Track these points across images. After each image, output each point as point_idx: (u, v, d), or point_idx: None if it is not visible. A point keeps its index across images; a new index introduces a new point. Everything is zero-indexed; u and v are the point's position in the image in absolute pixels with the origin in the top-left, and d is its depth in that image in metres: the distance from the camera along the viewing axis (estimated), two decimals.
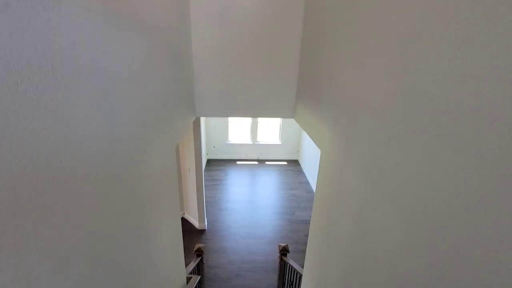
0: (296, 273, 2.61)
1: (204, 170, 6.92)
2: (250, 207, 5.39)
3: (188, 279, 2.23)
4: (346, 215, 1.23)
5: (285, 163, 7.63)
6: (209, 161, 7.49)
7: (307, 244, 2.07)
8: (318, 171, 1.67)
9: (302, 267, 2.73)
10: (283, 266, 2.96)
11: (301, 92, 2.16)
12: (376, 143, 0.97)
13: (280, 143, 7.65)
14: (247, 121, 7.50)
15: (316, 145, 1.66)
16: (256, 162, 7.59)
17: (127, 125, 0.98)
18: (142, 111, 1.14)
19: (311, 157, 6.49)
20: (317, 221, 1.72)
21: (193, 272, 2.65)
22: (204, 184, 6.35)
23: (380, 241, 0.94)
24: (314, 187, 6.09)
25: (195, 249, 2.81)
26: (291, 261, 2.74)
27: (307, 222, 4.97)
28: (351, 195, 1.17)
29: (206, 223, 4.73)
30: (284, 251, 2.88)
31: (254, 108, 2.35)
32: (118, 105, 0.89)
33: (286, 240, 4.48)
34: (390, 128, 0.88)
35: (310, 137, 1.78)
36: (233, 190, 6.04)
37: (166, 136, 1.48)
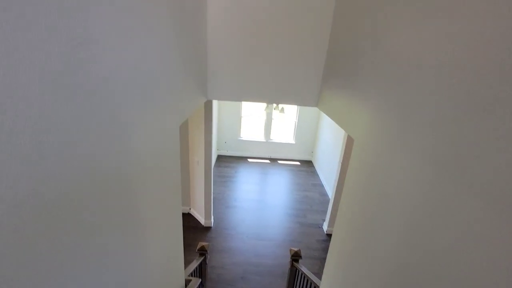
0: (309, 282, 2.31)
1: (214, 166, 6.70)
2: (259, 207, 5.11)
3: (187, 282, 1.97)
4: (396, 221, 0.94)
5: (298, 163, 7.30)
6: (219, 157, 7.27)
7: (328, 256, 1.76)
8: (349, 168, 1.37)
9: (315, 275, 2.43)
10: (294, 272, 2.66)
11: (328, 76, 1.87)
12: (464, 118, 0.67)
13: (294, 142, 7.33)
14: (260, 118, 7.23)
15: (349, 134, 1.37)
16: (268, 161, 7.30)
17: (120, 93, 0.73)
18: (140, 77, 0.90)
19: (326, 159, 6.15)
20: (346, 230, 1.42)
21: (195, 272, 2.41)
22: (213, 180, 6.14)
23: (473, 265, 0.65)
24: (328, 190, 5.74)
25: (198, 247, 2.56)
26: (303, 268, 2.45)
27: (319, 227, 4.65)
28: (406, 196, 0.87)
29: (212, 220, 4.49)
30: (296, 257, 2.58)
31: (272, 94, 2.08)
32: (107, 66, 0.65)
33: (296, 244, 4.17)
34: (487, 95, 0.59)
35: (341, 126, 1.49)
36: (242, 188, 5.78)
37: (167, 111, 1.23)
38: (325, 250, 4.09)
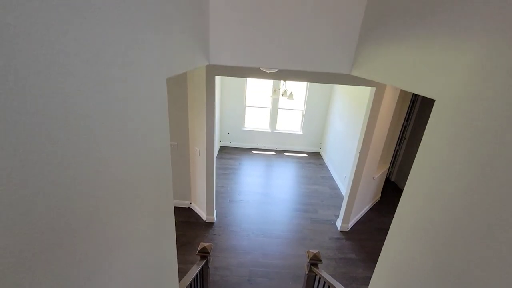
0: None
1: (216, 157, 6.29)
2: (265, 201, 4.71)
3: None
4: None
5: (305, 155, 6.87)
6: (222, 149, 6.86)
7: (375, 270, 1.35)
8: (422, 145, 0.94)
9: (332, 277, 2.02)
10: (312, 279, 2.26)
11: (370, 29, 1.43)
12: None
13: (301, 133, 6.89)
14: (266, 107, 6.78)
15: (421, 93, 0.93)
16: (273, 153, 6.88)
17: None
18: None
19: (337, 150, 5.71)
20: (414, 241, 0.99)
21: (196, 279, 2.01)
22: (215, 172, 5.73)
23: None
24: (339, 184, 5.33)
25: (199, 248, 2.16)
26: (325, 274, 2.04)
27: (332, 223, 4.24)
28: None
29: (215, 215, 4.09)
30: (315, 260, 2.18)
31: (291, 58, 1.64)
32: None
33: (307, 242, 3.77)
34: None
35: (403, 86, 1.05)
36: (247, 181, 5.38)
37: (150, 46, 0.80)
38: (340, 249, 3.69)
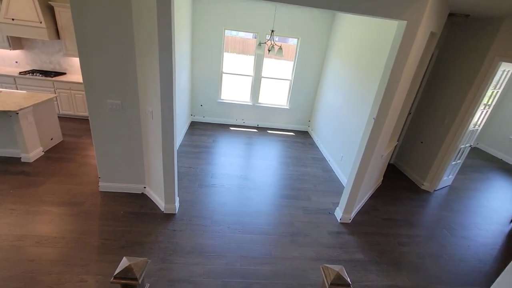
0: None
1: (186, 133, 5.14)
2: (245, 186, 3.69)
3: None
4: None
5: (292, 133, 5.92)
6: (193, 124, 5.69)
7: None
8: None
9: None
10: None
11: None
12: None
13: (288, 108, 5.89)
14: (247, 75, 5.66)
15: None
16: (255, 130, 5.83)
17: None
18: None
19: (329, 127, 4.80)
20: None
21: None
22: (181, 148, 4.58)
23: None
24: (334, 165, 4.44)
25: (117, 272, 1.09)
26: None
27: (329, 213, 3.34)
28: None
29: (176, 204, 3.01)
30: (339, 284, 1.21)
31: None
32: None
33: (301, 240, 2.84)
34: None
35: None
36: (222, 161, 4.31)
37: None
38: (343, 247, 2.80)
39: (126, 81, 2.61)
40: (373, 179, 3.61)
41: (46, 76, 4.80)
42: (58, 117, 5.15)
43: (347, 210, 3.15)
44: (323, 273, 1.28)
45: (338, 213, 3.24)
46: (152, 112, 2.59)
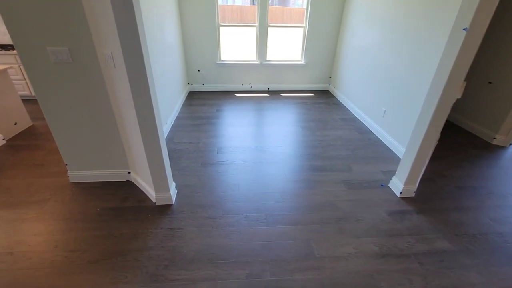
0: None
1: (183, 104, 4.24)
2: (261, 159, 2.81)
3: None
4: None
5: (311, 94, 4.91)
6: (191, 94, 4.76)
7: None
8: None
9: None
10: None
11: None
12: None
13: (303, 63, 4.83)
14: (250, 24, 4.58)
15: None
16: (266, 94, 4.86)
17: None
18: None
19: (359, 79, 3.77)
20: None
21: None
22: (177, 121, 3.62)
23: None
24: (371, 125, 3.47)
25: None
26: None
27: (382, 185, 2.44)
28: None
29: (173, 192, 2.17)
30: None
31: None
32: None
33: (353, 228, 1.97)
34: None
35: None
36: (230, 132, 3.42)
37: None
38: (416, 232, 1.92)
39: (69, 13, 1.67)
40: None
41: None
42: (31, 99, 4.32)
43: (410, 180, 2.24)
44: None
45: (396, 185, 2.34)
46: (112, 55, 1.66)
